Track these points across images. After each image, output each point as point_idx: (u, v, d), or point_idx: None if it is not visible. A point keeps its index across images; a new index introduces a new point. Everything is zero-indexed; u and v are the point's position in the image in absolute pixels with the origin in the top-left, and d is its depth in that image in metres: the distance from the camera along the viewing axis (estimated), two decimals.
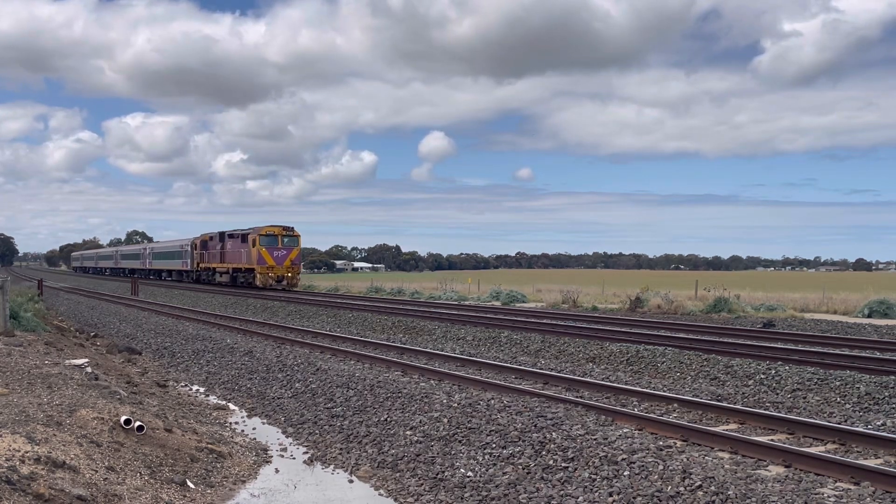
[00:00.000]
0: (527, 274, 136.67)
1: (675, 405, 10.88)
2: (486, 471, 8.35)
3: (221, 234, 52.17)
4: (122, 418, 8.63)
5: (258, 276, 44.57)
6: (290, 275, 45.53)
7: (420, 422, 10.20)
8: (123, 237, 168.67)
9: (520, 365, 15.12)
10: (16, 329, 17.48)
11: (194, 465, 8.63)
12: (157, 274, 73.17)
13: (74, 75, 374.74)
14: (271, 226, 45.90)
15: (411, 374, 13.83)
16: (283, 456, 10.02)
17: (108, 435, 8.21)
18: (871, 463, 7.80)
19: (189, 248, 59.31)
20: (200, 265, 56.14)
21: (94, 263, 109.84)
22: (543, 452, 8.46)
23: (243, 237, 47.50)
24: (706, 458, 7.93)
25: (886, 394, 11.35)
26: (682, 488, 6.99)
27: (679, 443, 8.64)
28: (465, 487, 8.13)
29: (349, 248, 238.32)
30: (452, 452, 9.06)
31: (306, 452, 10.17)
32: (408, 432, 9.98)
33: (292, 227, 46.21)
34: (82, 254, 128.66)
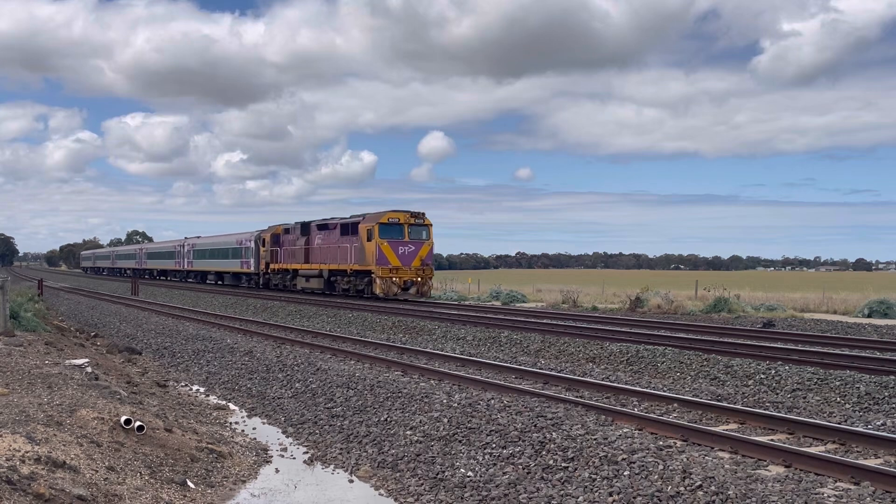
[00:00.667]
0: (527, 274, 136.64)
1: (675, 405, 10.89)
2: (487, 471, 8.36)
3: (304, 225, 39.78)
4: (123, 418, 8.64)
5: (378, 281, 31.99)
6: (420, 279, 32.71)
7: (420, 422, 10.21)
8: (123, 237, 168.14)
9: (520, 365, 15.13)
10: (16, 329, 17.49)
11: (194, 464, 8.64)
12: (200, 277, 59.32)
13: (74, 75, 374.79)
14: (393, 211, 33.20)
15: (411, 374, 13.83)
16: (283, 456, 10.02)
17: (109, 435, 8.22)
18: (871, 463, 7.80)
19: (253, 245, 46.46)
20: (272, 266, 43.25)
21: (109, 263, 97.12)
22: (543, 452, 8.46)
23: (347, 227, 35.22)
24: (706, 457, 7.93)
25: (886, 394, 11.35)
26: (682, 488, 7.00)
27: (679, 443, 8.64)
28: (465, 487, 8.13)
29: None
30: (452, 452, 9.07)
31: (306, 452, 10.17)
32: (408, 432, 9.99)
33: (422, 213, 33.50)
34: (95, 252, 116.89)
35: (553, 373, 13.93)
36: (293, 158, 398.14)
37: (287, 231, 42.08)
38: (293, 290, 40.51)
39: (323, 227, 37.92)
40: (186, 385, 15.51)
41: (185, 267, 62.00)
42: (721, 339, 18.05)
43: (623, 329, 21.00)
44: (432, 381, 12.95)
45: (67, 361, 13.73)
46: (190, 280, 61.60)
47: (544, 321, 23.25)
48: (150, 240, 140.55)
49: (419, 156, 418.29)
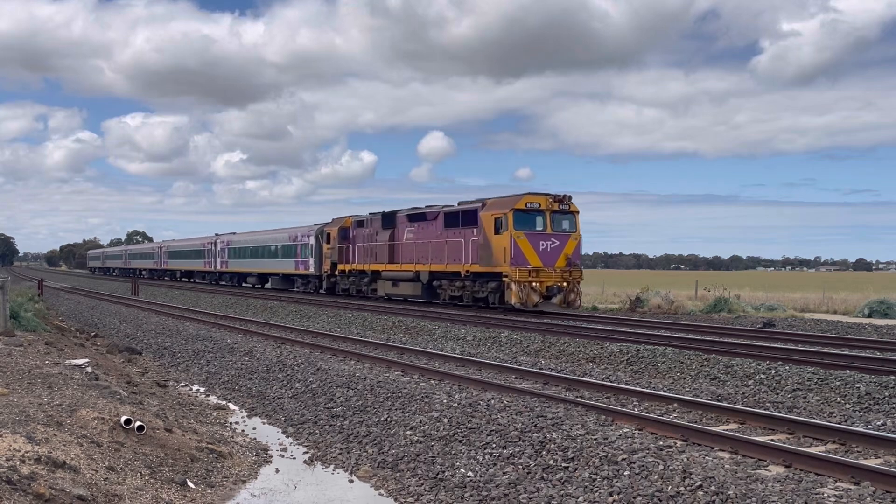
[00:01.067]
0: None
1: (675, 405, 10.88)
2: (487, 471, 8.35)
3: (388, 216, 32.34)
4: (123, 418, 8.64)
5: (513, 287, 24.39)
6: (566, 284, 25.21)
7: (420, 422, 10.21)
8: (124, 237, 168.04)
9: (520, 365, 15.12)
10: (16, 329, 17.49)
11: (194, 464, 8.64)
12: (237, 280, 51.92)
13: (74, 75, 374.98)
14: (531, 194, 25.46)
15: (411, 374, 13.83)
16: (283, 456, 10.02)
17: (109, 435, 8.22)
18: (871, 463, 7.80)
19: (313, 241, 39.28)
20: (341, 267, 35.66)
21: (122, 263, 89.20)
22: (543, 452, 8.46)
23: (457, 217, 27.82)
24: (706, 457, 7.93)
25: (886, 394, 11.34)
26: (682, 488, 7.00)
27: (679, 443, 8.64)
28: (465, 487, 8.13)
29: None
30: (453, 452, 9.07)
31: (306, 452, 10.17)
32: (408, 432, 9.99)
33: (568, 197, 25.74)
34: (104, 251, 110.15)
35: (553, 373, 13.93)
36: (293, 158, 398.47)
37: (360, 224, 34.51)
38: (370, 297, 33.52)
39: (417, 217, 30.44)
40: (186, 385, 15.51)
41: (218, 268, 53.99)
42: (721, 339, 18.04)
43: (623, 329, 20.98)
44: (432, 381, 12.95)
45: (67, 361, 13.73)
46: (223, 283, 53.59)
47: (544, 321, 23.23)
48: (151, 240, 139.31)
49: (419, 156, 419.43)
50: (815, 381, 12.33)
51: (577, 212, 25.98)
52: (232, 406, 13.33)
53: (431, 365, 14.90)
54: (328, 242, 37.17)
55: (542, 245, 24.92)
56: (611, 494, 7.21)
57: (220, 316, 28.15)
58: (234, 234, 54.37)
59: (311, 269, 39.71)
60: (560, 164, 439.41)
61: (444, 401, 10.84)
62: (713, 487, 6.86)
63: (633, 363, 15.16)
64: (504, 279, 25.01)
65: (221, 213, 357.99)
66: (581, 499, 7.29)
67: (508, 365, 14.86)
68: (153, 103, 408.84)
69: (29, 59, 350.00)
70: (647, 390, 12.00)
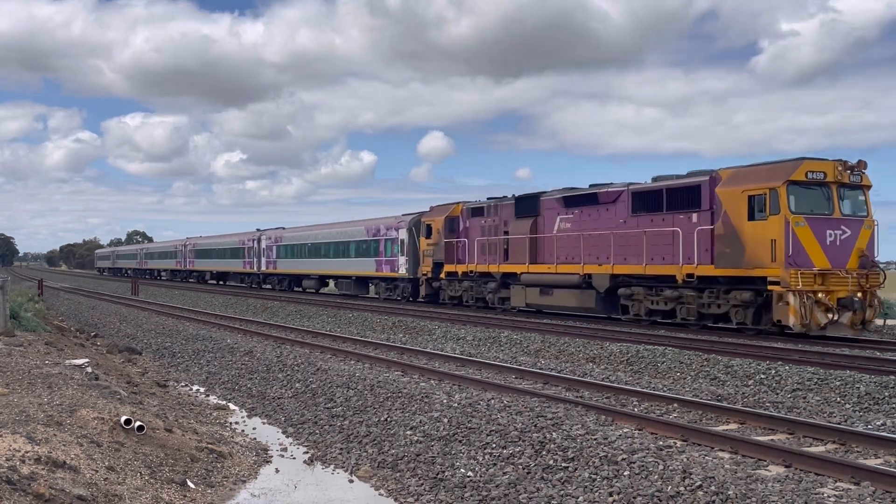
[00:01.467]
0: None
1: (675, 405, 10.88)
2: (487, 471, 8.35)
3: (528, 199, 24.90)
4: (123, 418, 8.64)
5: (792, 300, 16.58)
6: (863, 294, 17.21)
7: (420, 422, 10.21)
8: (124, 237, 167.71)
9: (520, 365, 15.12)
10: (16, 329, 17.49)
11: (194, 464, 8.64)
12: (288, 283, 44.24)
13: (73, 75, 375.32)
14: (811, 159, 17.50)
15: (411, 374, 13.83)
16: (283, 456, 10.03)
17: (109, 435, 8.22)
18: (871, 463, 7.80)
19: (402, 235, 31.85)
20: (450, 268, 28.15)
21: (136, 263, 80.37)
22: (543, 452, 8.46)
23: (658, 196, 20.06)
24: (706, 457, 7.93)
25: (886, 394, 11.34)
26: (682, 488, 7.00)
27: (679, 443, 8.64)
28: (465, 487, 8.13)
29: None
30: (452, 452, 9.07)
31: (306, 452, 10.17)
32: (408, 432, 9.99)
33: (861, 162, 17.77)
34: (115, 251, 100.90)
35: (553, 373, 13.93)
36: (293, 158, 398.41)
37: (477, 212, 27.26)
38: (493, 308, 26.27)
39: (579, 199, 22.78)
40: (186, 385, 15.52)
41: (263, 269, 46.94)
42: (721, 339, 18.03)
43: (623, 329, 20.97)
44: (432, 381, 12.95)
45: (67, 361, 13.73)
46: (267, 287, 46.70)
47: (544, 321, 23.24)
48: (151, 240, 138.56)
49: (419, 156, 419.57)
50: (815, 381, 12.33)
51: (870, 185, 18.03)
52: (232, 406, 13.33)
53: (431, 365, 14.91)
54: (429, 237, 29.54)
55: (830, 236, 17.14)
56: (611, 494, 7.21)
57: (220, 316, 28.15)
58: (284, 228, 46.86)
59: (403, 271, 31.83)
60: (560, 164, 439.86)
61: (444, 401, 10.84)
62: (713, 487, 6.86)
63: (633, 363, 15.17)
64: (771, 287, 17.12)
65: (221, 213, 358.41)
66: (581, 499, 7.29)
67: (508, 365, 14.86)
68: (153, 103, 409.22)
69: (28, 59, 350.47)
70: (647, 390, 12.00)
